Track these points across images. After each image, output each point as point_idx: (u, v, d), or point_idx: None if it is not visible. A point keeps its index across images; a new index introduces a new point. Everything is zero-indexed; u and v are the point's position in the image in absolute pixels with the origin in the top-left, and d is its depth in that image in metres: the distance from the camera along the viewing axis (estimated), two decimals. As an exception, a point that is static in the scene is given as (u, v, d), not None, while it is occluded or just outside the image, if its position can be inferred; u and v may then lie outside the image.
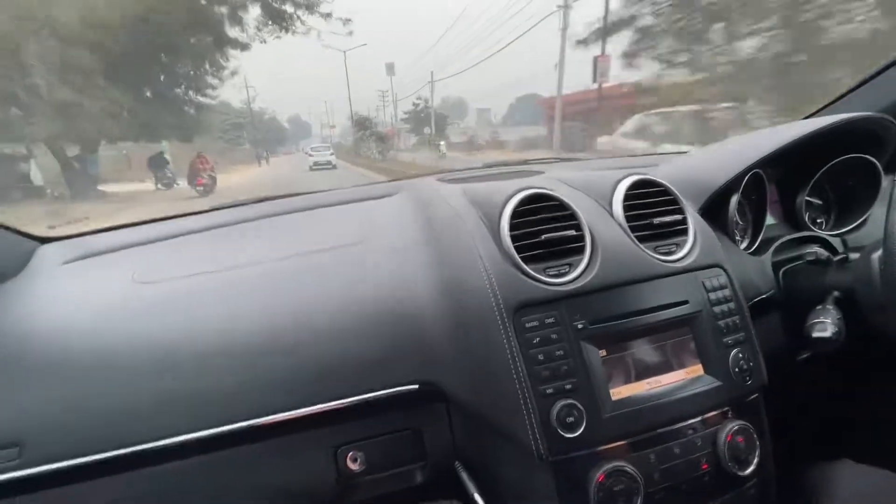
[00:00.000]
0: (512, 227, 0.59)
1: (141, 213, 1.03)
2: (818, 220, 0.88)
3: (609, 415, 0.53)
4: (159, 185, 13.34)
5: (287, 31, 11.86)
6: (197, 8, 10.63)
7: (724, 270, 0.63)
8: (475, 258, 0.59)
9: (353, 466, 0.60)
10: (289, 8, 11.69)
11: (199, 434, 0.53)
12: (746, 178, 0.73)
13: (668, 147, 7.61)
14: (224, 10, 11.18)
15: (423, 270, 0.63)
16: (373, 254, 0.67)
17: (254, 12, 11.51)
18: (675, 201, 0.66)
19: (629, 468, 0.52)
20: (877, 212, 0.82)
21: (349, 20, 13.69)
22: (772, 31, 5.80)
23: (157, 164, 13.21)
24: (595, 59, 13.31)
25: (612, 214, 0.65)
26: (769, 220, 0.79)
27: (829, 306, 0.63)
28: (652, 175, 0.68)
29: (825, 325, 0.61)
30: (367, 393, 0.56)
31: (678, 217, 0.65)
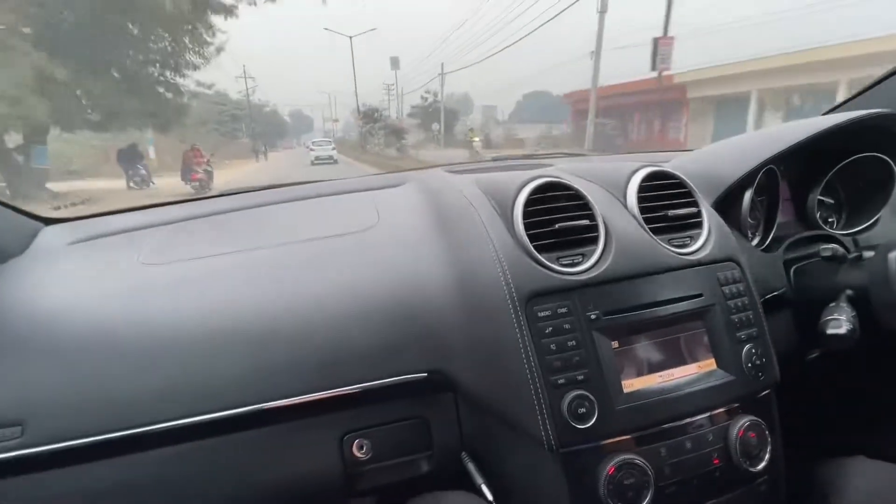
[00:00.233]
0: (525, 216, 0.59)
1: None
2: (829, 219, 0.88)
3: (621, 407, 0.53)
4: (131, 184, 10.88)
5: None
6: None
7: (738, 265, 0.63)
8: (487, 246, 0.59)
9: (360, 454, 0.60)
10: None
11: (204, 417, 0.53)
12: (760, 173, 0.73)
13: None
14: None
15: (434, 258, 0.63)
16: (383, 241, 0.67)
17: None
18: (689, 194, 0.67)
19: (640, 461, 0.52)
20: (889, 212, 0.82)
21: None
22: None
23: (128, 158, 10.90)
24: (655, 42, 10.93)
25: (625, 206, 0.65)
26: (780, 217, 0.79)
27: (843, 304, 0.63)
28: (666, 167, 0.68)
29: (840, 322, 0.61)
30: (375, 380, 0.56)
31: (693, 210, 0.65)
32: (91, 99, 8.89)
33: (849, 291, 0.65)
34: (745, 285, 0.62)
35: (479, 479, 0.61)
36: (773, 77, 11.65)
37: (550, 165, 0.93)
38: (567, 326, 0.54)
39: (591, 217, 0.61)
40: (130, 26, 9.05)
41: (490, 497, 0.58)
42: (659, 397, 0.55)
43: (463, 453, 0.64)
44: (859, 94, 0.93)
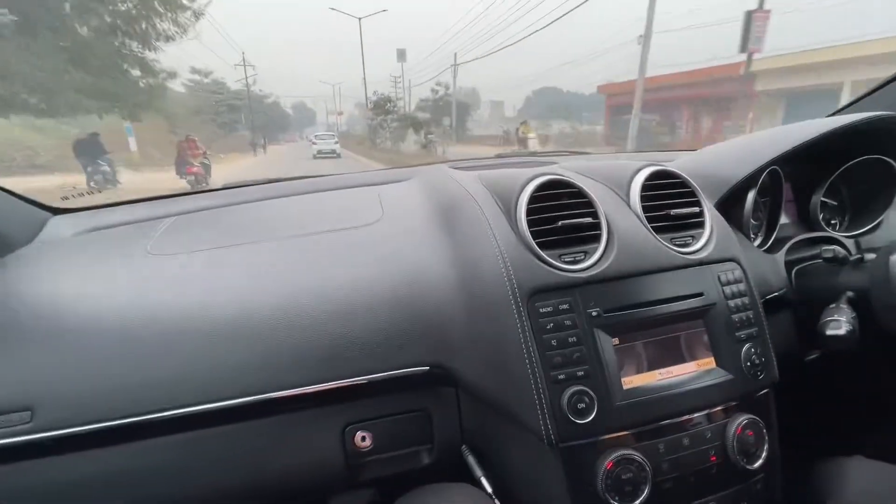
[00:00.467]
0: (528, 213, 0.61)
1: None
2: (832, 221, 0.89)
3: (620, 403, 0.54)
4: (92, 183, 8.52)
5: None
6: None
7: (740, 265, 0.65)
8: (491, 242, 0.60)
9: (362, 445, 0.61)
10: None
11: (209, 406, 0.54)
12: (764, 174, 0.74)
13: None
14: None
15: (438, 253, 0.64)
16: (387, 235, 0.69)
17: None
18: (692, 193, 0.68)
19: (638, 457, 0.54)
20: (892, 215, 0.83)
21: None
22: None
23: (87, 151, 9.04)
24: (748, 17, 8.48)
25: (628, 204, 0.67)
26: (783, 219, 0.80)
27: (843, 305, 0.64)
28: (669, 167, 0.69)
29: (839, 323, 0.62)
30: (377, 373, 0.57)
31: (695, 209, 0.66)
32: (31, 76, 6.53)
33: (849, 293, 0.66)
34: (745, 285, 0.64)
35: (478, 472, 0.63)
36: (877, 65, 9.24)
37: (554, 163, 0.94)
38: (568, 323, 0.56)
39: (594, 215, 0.62)
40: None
41: (489, 489, 0.60)
42: (658, 394, 0.56)
43: (463, 446, 0.66)
44: (865, 96, 0.94)
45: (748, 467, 0.58)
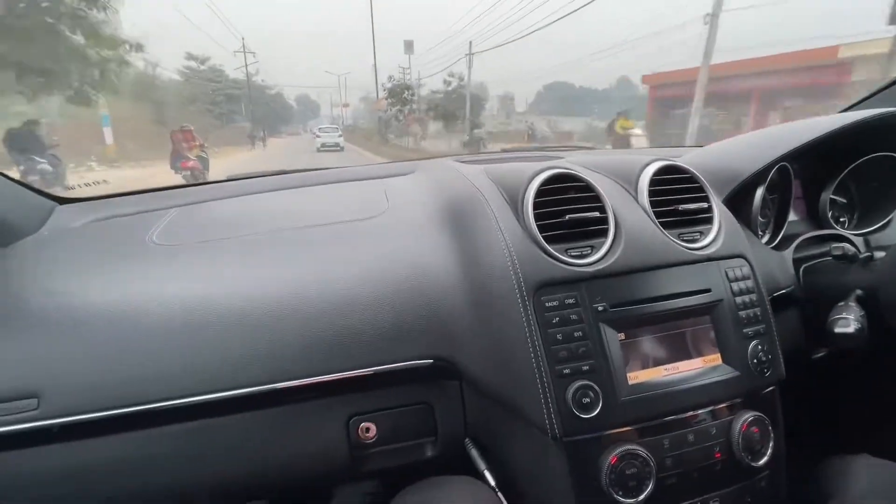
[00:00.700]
0: (535, 206, 0.61)
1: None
2: (841, 219, 0.89)
3: (625, 398, 0.55)
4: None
5: None
6: None
7: (748, 261, 0.65)
8: (497, 235, 0.61)
9: (366, 437, 0.62)
10: None
11: (215, 396, 0.55)
12: (773, 171, 0.75)
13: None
14: None
15: (443, 245, 0.65)
16: (393, 227, 0.69)
17: None
18: (700, 189, 0.68)
19: (642, 452, 0.54)
20: None
21: None
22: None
23: (19, 146, 6.91)
24: None
25: (636, 199, 0.67)
26: (791, 216, 0.81)
27: (852, 303, 0.64)
28: (678, 162, 0.70)
29: (848, 321, 0.62)
30: (381, 365, 0.58)
31: (704, 205, 0.67)
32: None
33: (858, 291, 0.66)
34: (753, 282, 0.64)
35: (482, 465, 0.63)
36: None
37: (561, 158, 0.95)
38: (574, 317, 0.56)
39: (602, 209, 0.62)
40: None
41: (493, 483, 0.60)
42: (663, 390, 0.57)
43: (466, 440, 0.66)
44: (877, 92, 0.94)
45: (753, 464, 0.58)
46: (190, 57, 27.45)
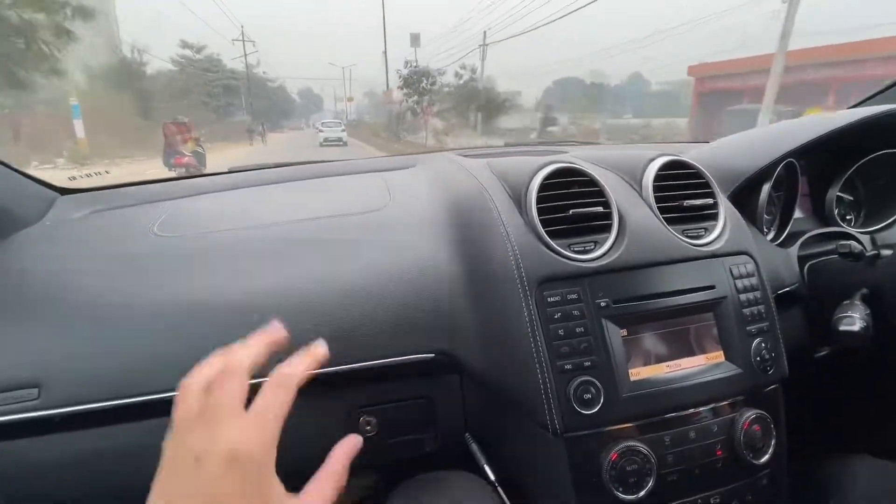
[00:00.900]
0: (538, 201, 0.62)
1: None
2: (847, 217, 0.89)
3: (627, 395, 0.56)
4: None
5: None
6: None
7: (752, 258, 0.65)
8: (499, 229, 0.61)
9: (366, 430, 0.63)
10: None
11: None
12: (780, 167, 0.75)
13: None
14: None
15: (446, 239, 0.66)
16: (394, 221, 0.70)
17: None
18: (706, 185, 0.69)
19: (643, 449, 0.55)
20: None
21: None
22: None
23: None
24: None
25: (640, 194, 0.67)
26: (796, 213, 0.82)
27: (857, 302, 0.64)
28: (683, 157, 0.71)
29: (853, 319, 0.62)
30: (382, 359, 0.59)
31: (709, 201, 0.67)
32: None
33: (864, 290, 0.66)
34: (757, 279, 0.64)
35: (482, 460, 0.64)
36: None
37: (565, 152, 0.95)
38: (576, 313, 0.56)
39: (606, 204, 0.63)
40: None
41: (493, 478, 0.61)
42: (665, 387, 0.57)
43: (467, 434, 0.67)
44: (886, 89, 0.94)
45: (755, 462, 0.58)
46: (185, 45, 25.61)
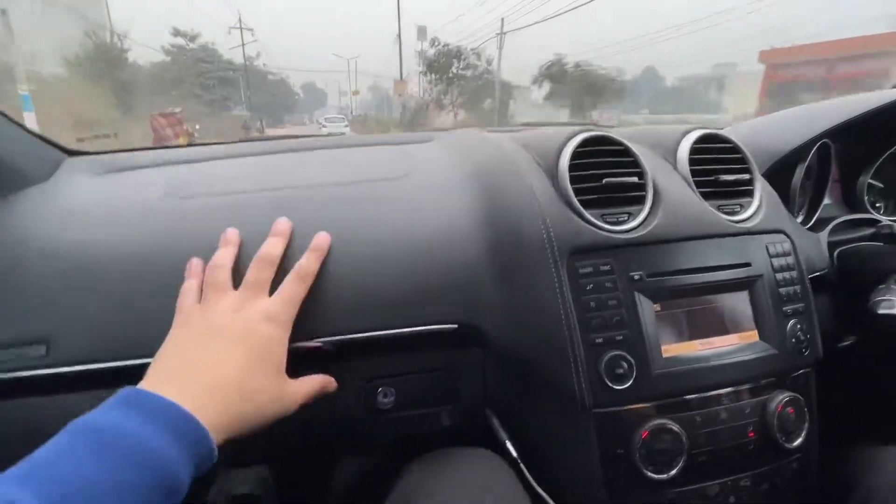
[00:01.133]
0: (571, 169, 0.60)
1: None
2: (877, 204, 0.88)
3: (659, 371, 0.54)
4: None
5: None
6: None
7: (789, 237, 0.64)
8: (529, 198, 0.59)
9: (384, 401, 0.62)
10: None
11: None
12: (814, 149, 0.75)
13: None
14: None
15: (471, 208, 0.64)
16: (416, 189, 0.68)
17: None
18: (742, 160, 0.67)
19: (675, 427, 0.54)
20: None
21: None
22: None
23: None
24: None
25: (675, 167, 0.66)
26: (825, 199, 0.81)
27: (894, 286, 0.63)
28: (719, 131, 0.70)
29: (892, 302, 0.61)
30: (403, 327, 0.57)
31: (745, 176, 0.66)
32: None
33: None
34: (794, 258, 0.63)
35: (503, 435, 0.62)
36: None
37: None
38: (609, 285, 0.55)
39: (640, 175, 0.61)
40: None
41: (514, 454, 0.60)
42: (698, 365, 0.56)
43: (487, 409, 0.65)
44: None
45: (787, 446, 0.57)
46: (177, 32, 23.33)
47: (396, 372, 0.62)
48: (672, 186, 0.62)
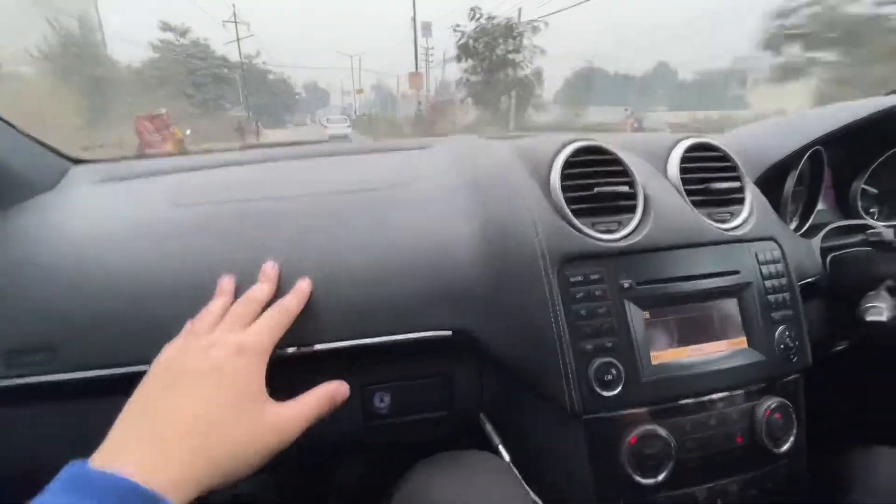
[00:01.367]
0: (562, 178, 0.62)
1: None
2: (871, 210, 0.89)
3: (648, 378, 0.56)
4: None
5: None
6: None
7: (779, 244, 0.66)
8: (521, 206, 0.62)
9: (380, 406, 0.63)
10: None
11: None
12: (806, 155, 0.76)
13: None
14: None
15: (464, 215, 0.65)
16: (412, 197, 0.69)
17: None
18: (733, 168, 0.69)
19: (663, 433, 0.55)
20: None
21: None
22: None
23: None
24: None
25: (666, 176, 0.68)
26: (819, 205, 0.82)
27: (884, 292, 0.65)
28: (710, 140, 0.72)
29: (881, 309, 0.62)
30: (399, 334, 0.59)
31: (735, 184, 0.67)
32: None
33: (889, 282, 0.66)
34: (783, 266, 0.65)
35: (496, 441, 0.63)
36: None
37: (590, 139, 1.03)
38: (599, 293, 0.56)
39: (631, 184, 0.63)
40: None
41: (507, 458, 0.61)
42: (687, 371, 0.57)
43: (482, 414, 0.66)
44: None
45: (775, 451, 0.58)
46: (166, 27, 21.15)
47: (392, 378, 0.63)
48: (663, 195, 0.64)
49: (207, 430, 0.38)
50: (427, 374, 0.64)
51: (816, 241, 0.76)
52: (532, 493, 0.56)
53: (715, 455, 0.57)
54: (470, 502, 0.50)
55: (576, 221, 0.59)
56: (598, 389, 0.53)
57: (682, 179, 0.65)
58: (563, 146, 0.63)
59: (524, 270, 0.57)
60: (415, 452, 0.61)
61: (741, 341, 0.60)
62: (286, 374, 0.54)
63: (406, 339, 0.58)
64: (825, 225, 0.78)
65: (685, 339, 0.58)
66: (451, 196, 0.68)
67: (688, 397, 0.57)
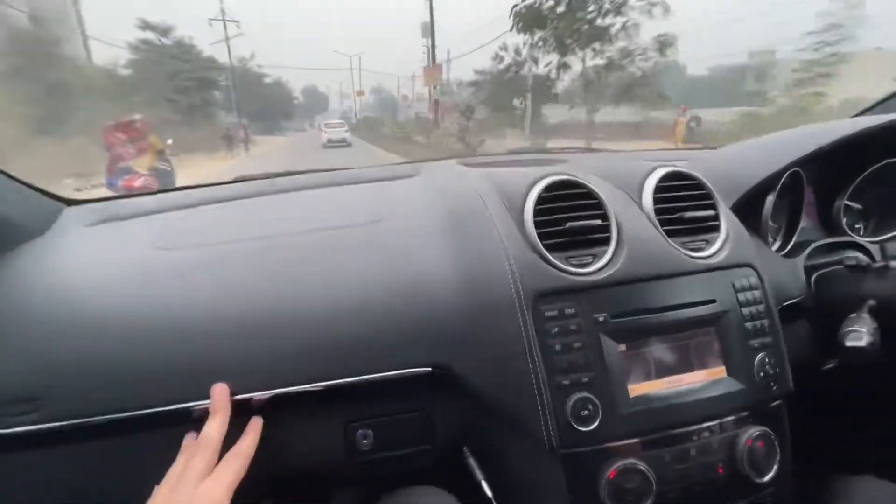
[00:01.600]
0: (536, 214, 0.64)
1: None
2: (856, 226, 0.89)
3: (626, 411, 0.58)
4: None
5: None
6: None
7: (756, 271, 0.67)
8: (497, 243, 0.63)
9: (362, 443, 0.64)
10: None
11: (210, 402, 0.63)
12: (785, 176, 0.77)
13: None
14: None
15: (442, 252, 0.67)
16: (391, 233, 0.71)
17: None
18: (707, 196, 0.70)
19: (642, 466, 0.56)
20: None
21: None
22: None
23: None
24: None
25: (640, 206, 0.69)
26: (803, 222, 0.82)
27: (865, 315, 0.65)
28: (684, 168, 0.73)
29: (860, 334, 0.62)
30: (379, 372, 0.61)
31: (710, 213, 0.68)
32: None
33: (871, 302, 0.66)
34: (761, 292, 0.65)
35: (479, 475, 0.65)
36: None
37: (565, 161, 0.94)
38: (574, 328, 0.57)
39: (604, 217, 0.65)
40: None
41: (489, 493, 0.63)
42: (666, 403, 0.58)
43: (464, 448, 0.68)
44: (893, 95, 0.92)
45: (757, 480, 0.59)
46: (145, 26, 19.07)
47: (374, 414, 0.64)
48: (636, 227, 0.65)
49: None
50: (409, 410, 0.65)
51: (800, 260, 0.76)
52: None
53: (696, 486, 0.58)
54: None
55: (549, 257, 0.60)
56: (576, 425, 0.54)
57: (657, 210, 0.66)
58: (535, 182, 0.65)
59: (499, 306, 0.58)
60: (396, 487, 0.63)
61: (720, 371, 0.61)
62: (269, 416, 0.57)
63: (386, 376, 0.59)
64: (810, 243, 0.79)
65: (663, 371, 0.59)
66: (429, 233, 0.69)
67: (667, 429, 0.57)
